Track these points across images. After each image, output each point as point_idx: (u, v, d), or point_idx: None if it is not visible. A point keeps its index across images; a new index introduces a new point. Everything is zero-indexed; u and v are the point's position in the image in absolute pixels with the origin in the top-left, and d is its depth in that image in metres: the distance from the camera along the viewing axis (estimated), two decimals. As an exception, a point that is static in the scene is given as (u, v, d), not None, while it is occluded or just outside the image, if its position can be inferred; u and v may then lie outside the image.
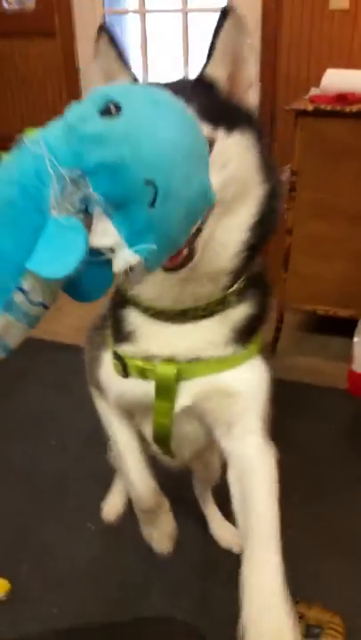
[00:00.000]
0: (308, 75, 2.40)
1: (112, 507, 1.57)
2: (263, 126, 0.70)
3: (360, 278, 2.11)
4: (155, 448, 0.92)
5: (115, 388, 0.87)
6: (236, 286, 0.79)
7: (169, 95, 0.58)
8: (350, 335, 2.11)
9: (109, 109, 0.53)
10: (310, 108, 1.93)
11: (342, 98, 1.95)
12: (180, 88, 0.66)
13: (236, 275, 0.79)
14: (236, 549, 1.42)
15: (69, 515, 1.63)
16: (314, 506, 1.63)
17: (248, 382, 0.83)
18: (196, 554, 1.49)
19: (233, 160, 0.70)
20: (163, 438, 0.87)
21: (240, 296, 0.80)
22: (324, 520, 1.59)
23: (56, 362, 2.36)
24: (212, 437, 0.87)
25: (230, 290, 0.79)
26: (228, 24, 0.71)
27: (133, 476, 0.97)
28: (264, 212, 0.75)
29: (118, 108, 0.53)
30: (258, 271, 0.83)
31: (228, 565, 1.45)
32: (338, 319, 2.23)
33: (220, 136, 0.70)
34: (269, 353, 2.34)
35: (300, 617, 1.28)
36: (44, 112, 2.97)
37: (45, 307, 0.59)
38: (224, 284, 0.78)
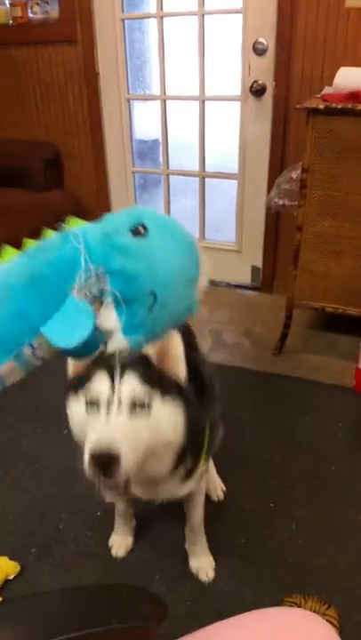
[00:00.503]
0: (323, 74, 2.40)
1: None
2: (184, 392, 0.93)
3: (370, 277, 2.11)
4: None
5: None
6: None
7: (185, 231, 0.77)
8: (359, 333, 2.12)
9: (139, 230, 0.71)
10: (322, 106, 1.94)
11: (354, 96, 1.95)
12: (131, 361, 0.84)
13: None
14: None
15: (78, 501, 1.67)
16: (317, 502, 1.65)
17: (193, 487, 1.21)
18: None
19: (163, 422, 0.89)
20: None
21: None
22: (327, 516, 1.61)
23: (70, 355, 2.41)
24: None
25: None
26: None
27: (118, 503, 1.44)
28: (192, 450, 1.04)
29: (146, 231, 0.71)
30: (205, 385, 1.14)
31: (227, 560, 1.49)
32: (347, 317, 2.24)
33: (156, 400, 0.87)
34: (276, 351, 2.38)
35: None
36: (66, 117, 3.04)
37: (43, 360, 0.79)
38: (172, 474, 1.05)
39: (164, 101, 2.87)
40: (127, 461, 0.81)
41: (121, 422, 0.83)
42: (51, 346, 0.75)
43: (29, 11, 2.84)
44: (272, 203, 2.29)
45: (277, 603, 1.35)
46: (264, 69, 2.54)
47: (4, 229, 2.40)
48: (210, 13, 2.60)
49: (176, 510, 1.63)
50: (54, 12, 2.79)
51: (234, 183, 2.89)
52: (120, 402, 0.84)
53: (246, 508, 1.64)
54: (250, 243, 2.94)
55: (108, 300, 0.71)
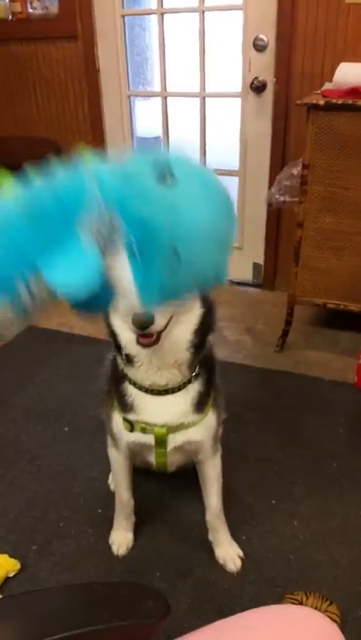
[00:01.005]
0: (323, 70, 2.39)
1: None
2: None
3: (371, 273, 2.11)
4: (155, 466, 1.37)
5: (125, 437, 1.31)
6: (195, 371, 1.22)
7: (220, 184, 0.67)
8: (360, 330, 2.12)
9: (165, 177, 0.61)
10: (322, 102, 1.93)
11: (355, 91, 1.94)
12: None
13: (193, 364, 1.20)
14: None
15: (79, 498, 1.68)
16: (318, 497, 1.65)
17: (204, 433, 1.30)
18: (196, 542, 1.52)
19: None
20: (161, 464, 1.34)
21: (197, 376, 1.23)
22: (328, 512, 1.60)
23: (71, 353, 2.42)
24: (188, 458, 1.40)
25: (193, 374, 1.22)
26: None
27: (121, 492, 1.50)
28: (202, 323, 1.16)
29: (174, 180, 0.61)
30: (207, 354, 1.25)
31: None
32: (348, 313, 2.23)
33: None
34: (278, 348, 2.38)
35: (298, 604, 1.30)
36: (67, 113, 3.03)
37: (43, 309, 0.67)
38: (186, 371, 1.20)
39: (165, 98, 2.86)
40: (159, 322, 1.02)
41: None
42: (51, 292, 0.64)
43: (29, 6, 2.82)
44: (273, 199, 2.29)
45: (279, 599, 1.34)
46: (264, 66, 2.53)
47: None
48: (210, 10, 2.59)
49: (178, 505, 1.63)
50: (54, 7, 2.77)
51: (235, 180, 2.88)
52: None
53: (247, 504, 1.64)
54: (251, 240, 2.93)
55: (122, 249, 0.61)
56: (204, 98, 2.77)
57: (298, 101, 2.03)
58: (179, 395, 1.23)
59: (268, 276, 2.95)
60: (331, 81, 2.11)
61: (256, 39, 2.50)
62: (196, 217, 0.62)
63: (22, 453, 1.86)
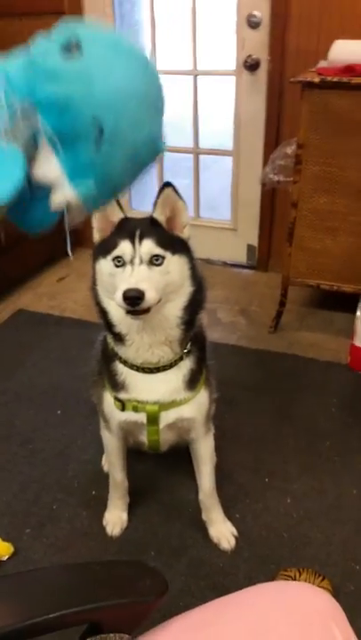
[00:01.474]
0: (318, 47, 2.34)
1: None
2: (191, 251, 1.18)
3: (365, 253, 2.10)
4: (147, 445, 1.37)
5: (116, 417, 1.31)
6: (187, 348, 1.23)
7: (134, 45, 0.61)
8: (353, 310, 2.11)
9: (71, 48, 0.56)
10: (316, 79, 1.90)
11: (350, 69, 1.91)
12: (145, 223, 1.12)
13: (184, 341, 1.21)
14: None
15: (73, 481, 1.67)
16: (312, 476, 1.66)
17: (196, 410, 1.30)
18: (190, 522, 1.52)
19: (173, 271, 1.12)
20: (154, 442, 1.35)
21: (188, 353, 1.24)
22: (321, 490, 1.61)
23: (62, 336, 2.40)
24: (181, 437, 1.39)
25: (184, 351, 1.22)
26: (165, 191, 1.12)
27: (115, 473, 1.50)
28: (192, 301, 1.18)
29: (80, 48, 0.55)
30: (197, 331, 1.26)
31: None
32: (342, 294, 2.23)
33: (168, 256, 1.10)
34: (271, 329, 2.38)
35: (291, 581, 1.31)
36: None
37: None
38: (177, 348, 1.21)
39: (157, 76, 2.80)
40: (150, 296, 1.05)
41: (143, 271, 1.07)
42: None
43: (13, -20, 2.74)
44: (267, 179, 2.26)
45: (272, 576, 1.36)
46: (258, 43, 2.49)
47: None
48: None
49: (172, 485, 1.63)
50: (39, -20, 2.69)
51: (229, 161, 2.85)
52: (141, 259, 1.08)
53: (241, 482, 1.64)
54: (245, 221, 2.91)
55: (44, 141, 0.56)
56: (196, 76, 2.72)
57: (292, 79, 2.00)
58: (170, 372, 1.23)
59: (262, 258, 2.93)
60: (326, 59, 2.07)
61: (250, 16, 2.45)
62: (113, 82, 0.57)
63: (15, 437, 1.85)
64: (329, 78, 1.89)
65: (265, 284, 2.79)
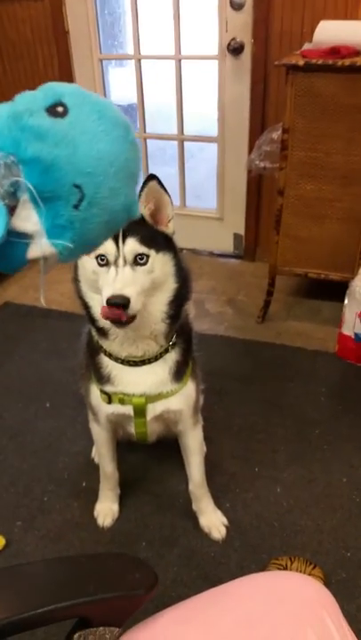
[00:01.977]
0: (302, 29, 2.31)
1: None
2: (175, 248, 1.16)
3: (352, 240, 2.08)
4: (135, 437, 1.37)
5: (104, 410, 1.31)
6: (172, 340, 1.22)
7: (117, 112, 0.63)
8: (341, 299, 2.11)
9: (57, 109, 0.58)
10: (301, 62, 1.87)
11: (335, 51, 1.89)
12: (131, 226, 1.05)
13: (169, 334, 1.20)
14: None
15: (63, 473, 1.66)
16: (302, 465, 1.66)
17: (183, 402, 1.29)
18: (181, 512, 1.52)
19: (158, 269, 1.10)
20: (141, 434, 1.35)
21: (174, 345, 1.23)
22: (311, 478, 1.62)
23: (49, 328, 2.38)
24: (169, 429, 1.40)
25: (170, 343, 1.21)
26: (149, 184, 1.08)
27: (105, 465, 1.50)
28: (177, 295, 1.17)
29: (66, 110, 0.57)
30: (183, 323, 1.25)
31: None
32: (329, 283, 2.23)
33: (152, 254, 1.08)
34: (259, 319, 2.37)
35: (283, 569, 1.32)
36: (35, 79, 2.90)
37: None
38: (162, 341, 1.20)
39: (139, 61, 2.75)
40: (135, 302, 1.04)
41: (127, 274, 1.05)
42: None
43: None
44: (253, 165, 2.24)
45: (264, 565, 1.36)
46: (242, 25, 2.45)
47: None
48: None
49: (162, 475, 1.63)
50: None
51: (214, 149, 2.82)
52: (125, 259, 1.05)
53: (231, 472, 1.64)
54: (232, 209, 2.89)
55: (25, 196, 0.58)
56: (179, 60, 2.67)
57: (276, 62, 1.97)
58: (156, 364, 1.22)
59: (248, 247, 2.91)
60: (311, 41, 2.05)
61: (233, -3, 2.41)
62: (96, 148, 0.59)
63: (3, 430, 1.83)
64: (314, 61, 1.86)
65: (252, 273, 2.77)
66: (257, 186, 2.73)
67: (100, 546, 1.45)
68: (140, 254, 1.06)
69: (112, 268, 1.05)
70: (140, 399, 1.23)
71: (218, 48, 2.54)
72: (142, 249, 1.06)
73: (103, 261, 1.06)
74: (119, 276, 1.04)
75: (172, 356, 1.24)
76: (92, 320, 1.17)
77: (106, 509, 1.53)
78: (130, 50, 2.78)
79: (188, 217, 2.93)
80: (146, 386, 1.23)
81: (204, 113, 2.99)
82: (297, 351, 2.17)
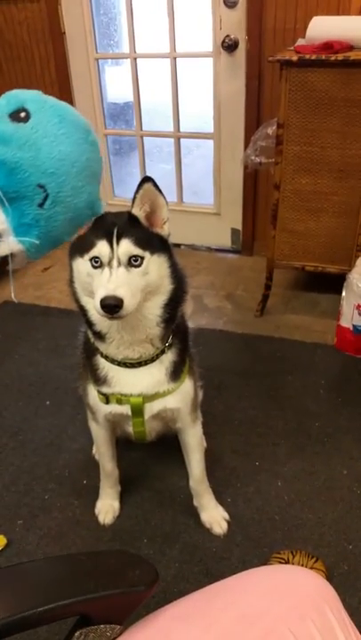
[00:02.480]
0: (296, 25, 2.31)
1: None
2: (170, 250, 1.14)
3: (348, 233, 2.09)
4: (134, 437, 1.38)
5: (102, 409, 1.31)
6: (168, 342, 1.21)
7: (77, 115, 0.66)
8: (338, 292, 2.12)
9: (19, 115, 0.61)
10: (295, 58, 1.87)
11: (329, 46, 1.89)
12: (123, 220, 1.05)
13: (165, 336, 1.20)
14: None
15: (63, 471, 1.67)
16: (302, 458, 1.66)
17: (180, 400, 1.30)
18: (182, 508, 1.53)
19: (153, 271, 1.08)
20: (140, 433, 1.35)
21: (170, 346, 1.23)
22: (312, 471, 1.62)
23: (49, 326, 2.38)
24: (168, 427, 1.40)
25: (166, 344, 1.21)
26: (145, 186, 1.05)
27: (105, 462, 1.51)
28: (172, 298, 1.15)
29: (28, 116, 0.61)
30: (179, 323, 1.24)
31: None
32: (326, 275, 2.23)
33: (147, 256, 1.06)
34: (258, 313, 2.37)
35: (285, 563, 1.32)
36: (32, 79, 2.91)
37: None
38: (158, 343, 1.20)
39: (135, 60, 2.75)
40: (128, 303, 1.02)
41: (121, 275, 1.03)
42: None
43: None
44: (249, 160, 2.24)
45: (265, 559, 1.36)
46: (236, 23, 2.44)
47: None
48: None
49: (163, 472, 1.63)
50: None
51: (210, 145, 2.81)
52: (119, 260, 1.03)
53: (232, 467, 1.65)
54: (229, 205, 2.89)
55: None
56: (174, 58, 2.67)
57: (270, 58, 1.97)
58: (152, 366, 1.22)
59: (246, 242, 2.92)
60: (304, 37, 2.04)
61: (226, -6, 2.40)
62: (57, 150, 0.62)
63: (4, 429, 1.83)
64: (307, 56, 1.87)
65: (250, 267, 2.78)
66: (253, 181, 2.73)
67: (101, 543, 1.46)
68: (134, 256, 1.04)
69: (106, 270, 1.04)
70: (137, 399, 1.24)
71: (212, 45, 2.54)
72: (137, 250, 1.05)
73: (97, 263, 1.04)
74: (113, 276, 1.02)
75: (169, 357, 1.23)
76: (90, 324, 1.17)
77: (107, 507, 1.53)
78: (125, 49, 2.78)
79: (185, 213, 2.93)
80: (143, 386, 1.23)
81: (199, 110, 2.99)
82: (296, 344, 2.17)
